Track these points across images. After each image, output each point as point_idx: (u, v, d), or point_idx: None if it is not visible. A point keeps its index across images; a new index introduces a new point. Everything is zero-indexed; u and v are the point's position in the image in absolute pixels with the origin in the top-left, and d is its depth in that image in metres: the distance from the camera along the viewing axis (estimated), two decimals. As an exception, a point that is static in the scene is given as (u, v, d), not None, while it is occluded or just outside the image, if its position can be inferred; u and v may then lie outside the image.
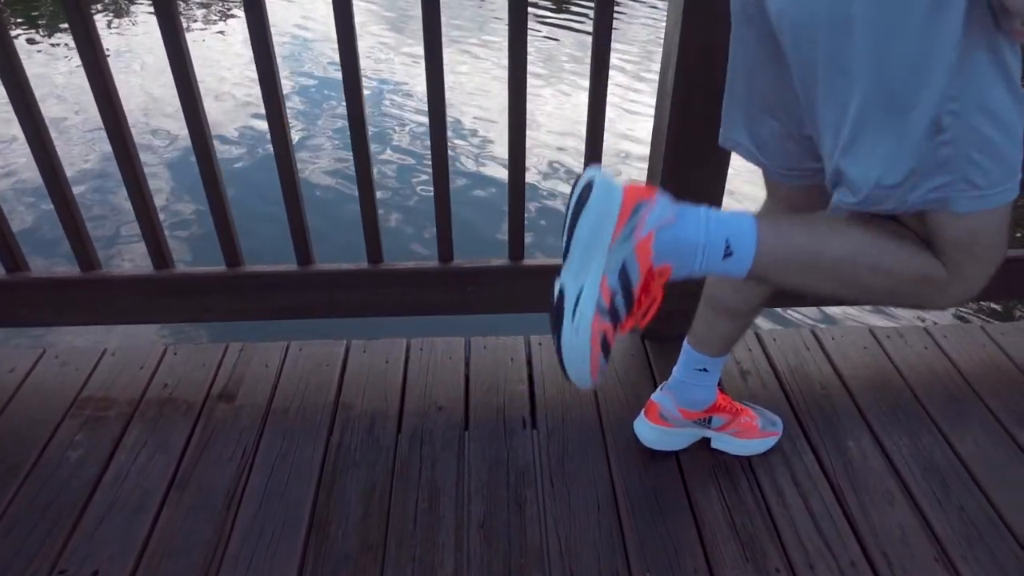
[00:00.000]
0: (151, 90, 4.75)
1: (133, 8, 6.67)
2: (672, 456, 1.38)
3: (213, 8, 6.74)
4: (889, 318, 2.60)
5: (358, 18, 1.29)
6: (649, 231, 0.87)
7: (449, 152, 1.43)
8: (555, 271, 1.53)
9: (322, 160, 3.96)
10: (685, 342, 1.31)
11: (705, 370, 1.29)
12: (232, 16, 6.49)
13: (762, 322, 2.09)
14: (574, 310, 0.88)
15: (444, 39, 1.31)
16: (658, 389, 1.37)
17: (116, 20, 6.31)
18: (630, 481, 1.33)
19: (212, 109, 4.41)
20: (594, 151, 1.42)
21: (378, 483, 1.33)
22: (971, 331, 1.70)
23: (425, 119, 1.46)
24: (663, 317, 1.61)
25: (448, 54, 5.26)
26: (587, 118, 1.39)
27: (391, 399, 1.50)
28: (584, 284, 0.88)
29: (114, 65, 1.65)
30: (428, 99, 1.35)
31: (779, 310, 2.54)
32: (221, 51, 5.60)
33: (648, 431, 1.37)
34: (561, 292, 0.91)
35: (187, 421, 1.45)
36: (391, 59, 5.52)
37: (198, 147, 1.38)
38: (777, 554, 1.21)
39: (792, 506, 1.29)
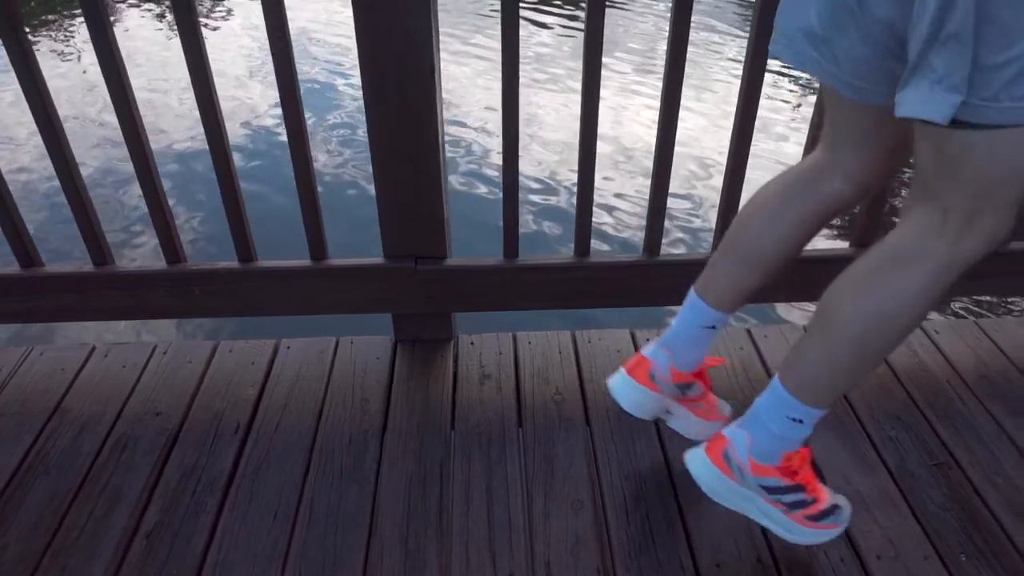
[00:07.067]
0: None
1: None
2: (373, 468, 1.35)
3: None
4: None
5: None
6: (748, 458, 1.07)
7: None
8: (290, 273, 1.52)
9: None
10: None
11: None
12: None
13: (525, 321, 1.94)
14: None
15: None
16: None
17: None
18: (319, 491, 1.30)
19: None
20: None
21: (61, 490, 1.30)
22: (733, 332, 1.66)
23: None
24: (413, 319, 1.61)
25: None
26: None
27: (113, 404, 1.47)
28: (755, 507, 1.12)
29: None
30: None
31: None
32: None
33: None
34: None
35: (-102, 427, 1.43)
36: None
37: None
38: (438, 565, 1.18)
39: (474, 516, 1.26)
